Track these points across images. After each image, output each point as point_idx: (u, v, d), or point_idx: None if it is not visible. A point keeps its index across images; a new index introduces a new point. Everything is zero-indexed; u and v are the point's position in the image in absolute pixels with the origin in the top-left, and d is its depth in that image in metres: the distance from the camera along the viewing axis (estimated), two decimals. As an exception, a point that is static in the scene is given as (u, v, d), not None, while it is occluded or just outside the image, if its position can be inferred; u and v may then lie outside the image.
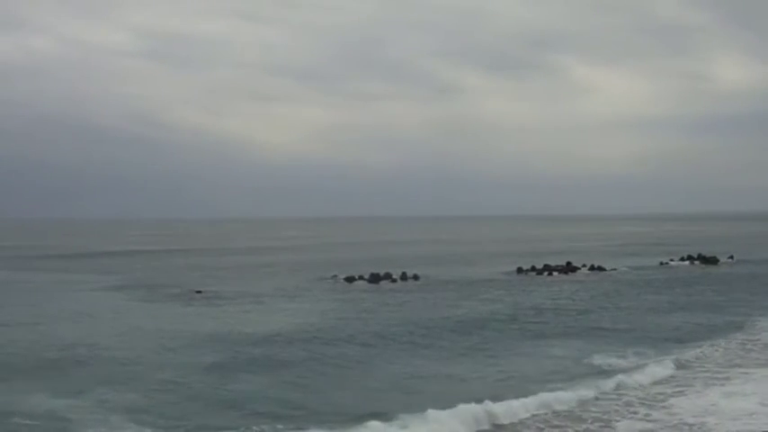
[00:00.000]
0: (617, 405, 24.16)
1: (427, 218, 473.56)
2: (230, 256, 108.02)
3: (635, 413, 23.34)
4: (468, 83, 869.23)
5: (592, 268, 74.60)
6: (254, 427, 21.32)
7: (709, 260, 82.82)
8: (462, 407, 22.50)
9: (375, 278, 66.43)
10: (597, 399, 24.75)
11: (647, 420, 22.54)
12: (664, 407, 23.87)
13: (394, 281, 65.77)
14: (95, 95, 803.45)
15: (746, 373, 28.16)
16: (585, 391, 25.16)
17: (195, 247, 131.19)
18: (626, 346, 33.62)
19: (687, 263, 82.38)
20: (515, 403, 23.43)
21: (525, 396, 24.10)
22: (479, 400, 23.16)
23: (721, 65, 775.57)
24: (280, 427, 21.44)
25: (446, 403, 22.85)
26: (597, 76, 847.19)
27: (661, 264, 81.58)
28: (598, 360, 30.89)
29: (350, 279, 66.46)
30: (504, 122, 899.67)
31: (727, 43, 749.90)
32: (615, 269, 74.26)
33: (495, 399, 23.54)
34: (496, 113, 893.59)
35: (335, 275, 68.72)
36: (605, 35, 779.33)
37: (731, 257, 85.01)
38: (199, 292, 56.83)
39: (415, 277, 67.23)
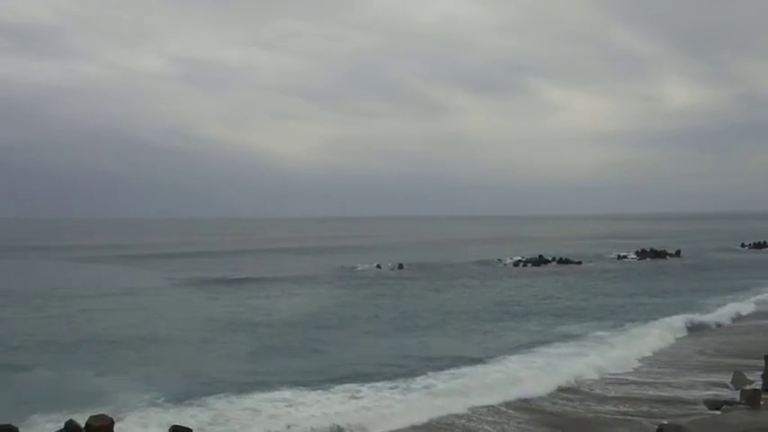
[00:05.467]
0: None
1: (420, 218, 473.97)
2: (255, 253, 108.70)
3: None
4: (456, 102, 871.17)
5: (560, 261, 75.15)
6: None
7: (659, 254, 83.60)
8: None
9: (377, 267, 67.63)
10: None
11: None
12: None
13: (392, 269, 67.04)
14: (137, 113, 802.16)
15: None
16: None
17: (229, 249, 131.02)
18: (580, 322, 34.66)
19: (640, 257, 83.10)
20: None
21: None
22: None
23: (670, 88, 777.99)
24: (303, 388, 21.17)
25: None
26: (565, 96, 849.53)
27: (618, 257, 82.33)
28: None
29: (354, 268, 67.60)
30: (485, 136, 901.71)
31: (675, 69, 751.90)
32: (580, 262, 74.58)
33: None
34: (479, 128, 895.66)
35: (342, 266, 69.80)
36: (572, 62, 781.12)
37: (678, 252, 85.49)
38: (233, 281, 57.36)
39: (409, 266, 68.42)
